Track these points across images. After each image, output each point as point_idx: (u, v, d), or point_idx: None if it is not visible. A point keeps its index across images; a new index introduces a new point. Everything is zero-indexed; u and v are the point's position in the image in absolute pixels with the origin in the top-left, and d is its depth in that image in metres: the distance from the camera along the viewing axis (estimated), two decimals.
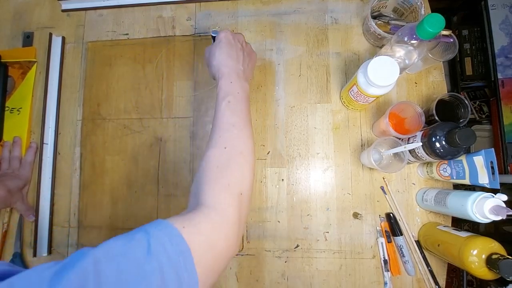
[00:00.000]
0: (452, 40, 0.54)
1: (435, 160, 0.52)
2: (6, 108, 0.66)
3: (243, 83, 0.47)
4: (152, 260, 0.27)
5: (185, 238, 0.29)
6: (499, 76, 1.09)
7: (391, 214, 0.58)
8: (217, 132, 0.42)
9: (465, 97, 0.66)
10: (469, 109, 0.52)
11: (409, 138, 0.53)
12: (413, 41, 0.46)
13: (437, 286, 0.54)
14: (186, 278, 0.28)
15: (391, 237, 0.57)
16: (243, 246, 0.60)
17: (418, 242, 0.57)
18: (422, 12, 0.54)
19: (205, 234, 0.32)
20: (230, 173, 0.38)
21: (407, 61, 0.50)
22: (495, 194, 0.44)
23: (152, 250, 0.27)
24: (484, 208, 0.42)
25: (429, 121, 0.54)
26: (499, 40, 1.10)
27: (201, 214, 0.33)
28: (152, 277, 0.26)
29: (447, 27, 0.45)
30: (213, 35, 0.52)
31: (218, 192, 0.36)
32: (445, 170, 0.52)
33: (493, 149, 0.46)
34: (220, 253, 0.32)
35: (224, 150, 0.40)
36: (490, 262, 0.41)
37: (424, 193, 0.56)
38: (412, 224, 0.58)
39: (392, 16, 0.62)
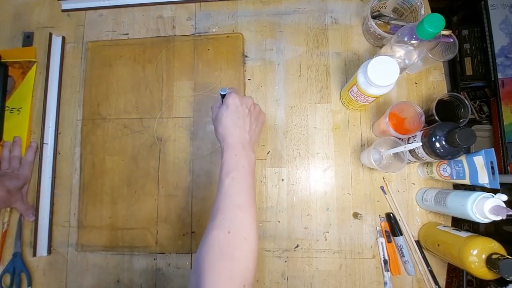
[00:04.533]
0: (452, 40, 0.54)
1: (435, 160, 0.52)
2: (6, 108, 0.66)
3: (249, 153, 0.46)
4: None
5: None
6: (499, 76, 1.09)
7: (391, 214, 0.58)
8: (220, 212, 0.40)
9: (465, 97, 0.66)
10: (469, 109, 0.52)
11: (409, 138, 0.53)
12: (413, 41, 0.46)
13: (437, 286, 0.54)
14: None
15: (391, 237, 0.57)
16: None
17: (418, 242, 0.57)
18: (422, 12, 0.54)
19: None
20: (233, 263, 0.37)
21: (407, 61, 0.50)
22: (495, 194, 0.44)
23: None
24: (484, 208, 0.42)
25: (429, 121, 0.54)
26: (499, 40, 1.10)
27: None
28: None
29: (447, 27, 0.45)
30: (222, 93, 0.50)
31: (220, 284, 0.35)
32: (445, 170, 0.52)
33: (493, 149, 0.46)
34: None
35: (228, 235, 0.38)
36: (490, 262, 0.41)
37: (424, 193, 0.56)
38: (412, 224, 0.58)
39: (392, 16, 0.62)
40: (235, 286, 0.36)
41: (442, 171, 0.53)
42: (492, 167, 0.46)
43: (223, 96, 0.50)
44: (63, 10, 0.70)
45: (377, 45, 0.62)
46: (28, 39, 0.69)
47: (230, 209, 0.41)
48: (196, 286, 0.36)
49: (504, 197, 0.43)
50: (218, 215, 0.40)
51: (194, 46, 0.66)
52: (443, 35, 0.53)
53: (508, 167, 1.05)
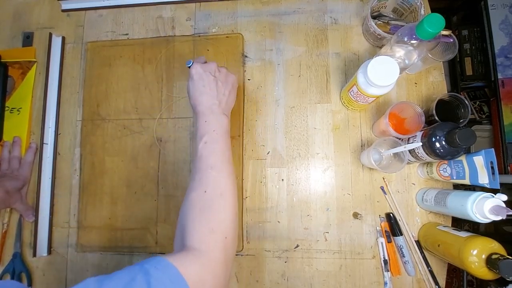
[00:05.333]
0: (452, 40, 0.54)
1: (435, 160, 0.52)
2: (6, 108, 0.66)
3: (220, 117, 0.48)
4: None
5: (185, 278, 0.31)
6: (499, 76, 1.09)
7: (391, 214, 0.58)
8: (197, 174, 0.44)
9: (465, 97, 0.66)
10: (469, 109, 0.52)
11: (409, 138, 0.53)
12: (413, 41, 0.46)
13: (437, 286, 0.54)
14: None
15: (391, 237, 0.57)
16: (243, 247, 0.60)
17: (418, 242, 0.57)
18: (422, 12, 0.54)
19: (198, 274, 0.34)
20: (212, 217, 0.40)
21: (407, 61, 0.50)
22: (495, 194, 0.44)
23: None
24: (484, 208, 0.42)
25: (429, 121, 0.54)
26: (499, 40, 1.10)
27: (192, 256, 0.36)
28: None
29: (447, 27, 0.45)
30: (188, 65, 0.51)
31: (204, 236, 0.38)
32: (445, 170, 0.52)
33: (493, 149, 0.46)
34: None
35: (204, 194, 0.42)
36: (490, 262, 0.41)
37: (424, 193, 0.56)
38: (412, 224, 0.58)
39: (391, 16, 0.62)
40: (217, 238, 0.39)
41: (442, 171, 0.53)
42: (492, 167, 0.46)
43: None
44: (63, 10, 0.70)
45: (377, 45, 0.62)
46: (28, 39, 0.69)
47: (204, 170, 0.43)
48: (181, 242, 0.39)
49: (504, 197, 0.43)
50: (195, 177, 0.43)
51: (194, 47, 0.66)
52: (443, 35, 0.53)
53: (508, 167, 1.05)
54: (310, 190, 0.60)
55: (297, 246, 0.59)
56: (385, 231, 0.58)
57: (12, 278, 0.61)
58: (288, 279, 0.58)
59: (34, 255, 0.61)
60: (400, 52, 0.49)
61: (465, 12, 1.28)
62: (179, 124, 0.64)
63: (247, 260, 0.59)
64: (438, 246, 0.50)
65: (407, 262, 0.56)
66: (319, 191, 0.60)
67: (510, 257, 0.40)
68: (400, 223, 0.57)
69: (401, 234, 0.57)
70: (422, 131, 0.50)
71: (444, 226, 0.53)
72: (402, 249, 0.56)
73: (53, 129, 0.65)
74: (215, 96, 0.49)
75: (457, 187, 0.58)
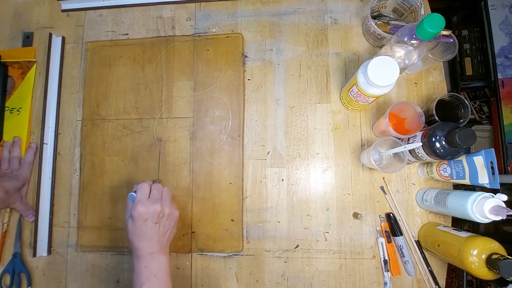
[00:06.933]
0: (452, 40, 0.54)
1: (435, 160, 0.52)
2: (6, 108, 0.66)
3: (160, 258, 0.46)
4: None
5: None
6: (499, 76, 1.09)
7: (391, 214, 0.58)
8: None
9: (465, 97, 0.66)
10: (469, 109, 0.52)
11: (409, 138, 0.53)
12: (413, 41, 0.46)
13: (437, 286, 0.54)
14: None
15: (391, 237, 0.57)
16: (243, 247, 0.60)
17: (418, 242, 0.57)
18: (422, 12, 0.54)
19: None
20: None
21: (407, 61, 0.50)
22: (495, 194, 0.44)
23: None
24: (484, 208, 0.42)
25: (429, 121, 0.54)
26: (499, 40, 1.10)
27: None
28: None
29: (447, 27, 0.45)
30: (131, 200, 0.48)
31: None
32: (445, 170, 0.52)
33: (493, 149, 0.46)
34: None
35: None
36: (490, 262, 0.41)
37: (424, 193, 0.56)
38: (412, 224, 0.58)
39: (392, 16, 0.62)
40: None
41: (442, 171, 0.53)
42: (492, 167, 0.46)
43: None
44: (63, 10, 0.70)
45: (377, 45, 0.62)
46: (28, 39, 0.69)
47: None
48: None
49: (504, 197, 0.43)
50: None
51: (194, 46, 0.66)
52: (443, 35, 0.53)
53: (508, 167, 1.05)
54: (310, 190, 0.60)
55: (297, 246, 0.59)
56: (385, 231, 0.58)
57: (12, 278, 0.61)
58: (288, 279, 0.58)
59: (34, 255, 0.61)
60: (400, 52, 0.49)
61: (465, 12, 1.28)
62: (179, 124, 0.64)
63: (247, 260, 0.59)
64: (438, 246, 0.50)
65: (407, 262, 0.56)
66: (319, 191, 0.60)
67: (510, 257, 0.40)
68: (400, 223, 0.57)
69: (401, 234, 0.57)
70: (422, 131, 0.50)
71: (444, 226, 0.53)
72: (402, 249, 0.56)
73: (53, 129, 0.65)
74: (155, 241, 0.47)
75: (457, 187, 0.58)
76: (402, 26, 0.50)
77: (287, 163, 0.61)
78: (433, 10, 0.54)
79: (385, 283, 0.56)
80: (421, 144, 0.48)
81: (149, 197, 0.48)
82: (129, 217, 0.47)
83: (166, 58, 0.66)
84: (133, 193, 0.48)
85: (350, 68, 0.63)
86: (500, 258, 0.40)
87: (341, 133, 0.61)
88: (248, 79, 0.64)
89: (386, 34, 0.56)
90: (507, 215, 0.41)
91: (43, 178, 0.63)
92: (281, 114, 0.63)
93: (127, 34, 0.68)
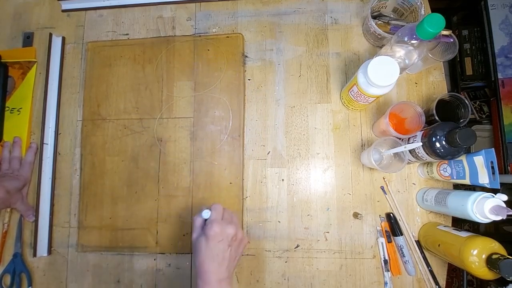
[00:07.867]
0: (452, 40, 0.54)
1: (435, 160, 0.52)
2: (6, 108, 0.66)
3: None
4: None
5: None
6: (499, 76, 1.09)
7: (391, 214, 0.58)
8: None
9: (465, 97, 0.66)
10: (469, 109, 0.52)
11: (409, 138, 0.53)
12: (413, 41, 0.46)
13: (437, 286, 0.54)
14: None
15: (391, 237, 0.57)
16: None
17: (418, 242, 0.57)
18: (422, 12, 0.54)
19: None
20: None
21: (407, 61, 0.50)
22: (495, 194, 0.44)
23: None
24: (484, 208, 0.42)
25: (429, 121, 0.54)
26: (499, 40, 1.10)
27: None
28: None
29: (447, 27, 0.45)
30: (204, 217, 0.47)
31: None
32: (445, 170, 0.52)
33: (493, 149, 0.46)
34: None
35: None
36: (490, 262, 0.41)
37: (424, 193, 0.56)
38: (412, 224, 0.58)
39: (392, 16, 0.62)
40: None
41: (442, 171, 0.53)
42: (492, 167, 0.46)
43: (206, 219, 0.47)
44: (63, 10, 0.70)
45: (377, 45, 0.62)
46: (28, 39, 0.69)
47: None
48: None
49: (504, 197, 0.43)
50: None
51: (194, 47, 0.66)
52: (443, 35, 0.53)
53: (508, 167, 1.05)
54: (311, 190, 0.60)
55: (298, 246, 0.59)
56: (385, 231, 0.58)
57: (13, 278, 0.61)
58: (289, 279, 0.58)
59: (35, 255, 0.61)
60: (400, 52, 0.49)
61: (465, 12, 1.28)
62: (179, 124, 0.64)
63: (248, 260, 0.59)
64: (438, 246, 0.50)
65: (407, 262, 0.56)
66: (320, 191, 0.60)
67: (510, 257, 0.40)
68: (400, 223, 0.57)
69: (401, 234, 0.57)
70: (422, 131, 0.50)
71: (444, 226, 0.53)
72: (402, 249, 0.56)
73: (53, 129, 0.65)
74: (225, 266, 0.44)
75: (457, 187, 0.58)
76: (402, 26, 0.50)
77: (288, 163, 0.61)
78: (433, 10, 0.54)
79: (386, 283, 0.56)
80: (421, 144, 0.48)
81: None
82: (200, 235, 0.45)
83: (166, 58, 0.66)
84: (208, 210, 0.47)
85: (350, 68, 0.63)
86: (500, 258, 0.40)
87: (341, 133, 0.61)
88: (249, 79, 0.64)
89: (386, 34, 0.56)
90: (507, 215, 0.41)
91: (43, 178, 0.63)
92: (281, 114, 0.63)
93: (127, 34, 0.68)
